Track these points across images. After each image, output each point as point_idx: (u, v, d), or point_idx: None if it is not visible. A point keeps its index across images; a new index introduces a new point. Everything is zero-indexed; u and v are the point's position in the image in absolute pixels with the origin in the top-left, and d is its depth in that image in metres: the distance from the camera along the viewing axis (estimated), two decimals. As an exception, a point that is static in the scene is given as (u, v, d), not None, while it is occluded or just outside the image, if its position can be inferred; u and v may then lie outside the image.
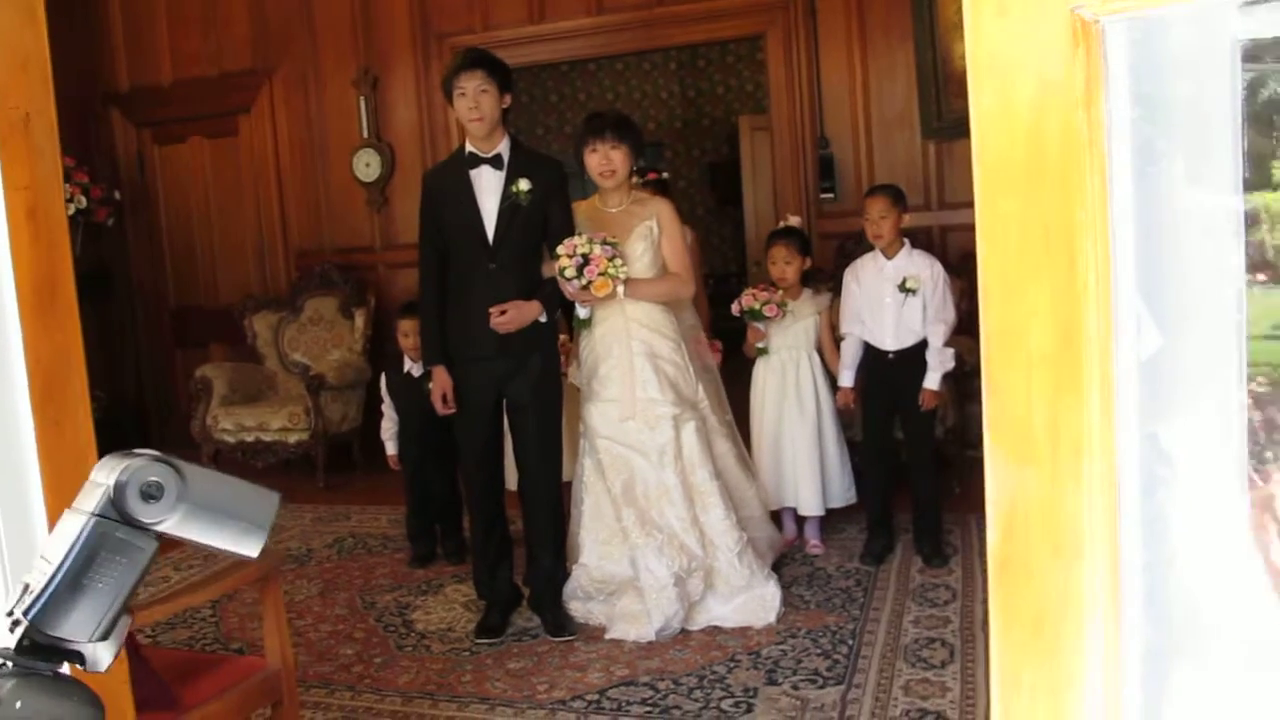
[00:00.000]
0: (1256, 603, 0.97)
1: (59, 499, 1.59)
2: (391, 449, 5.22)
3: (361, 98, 7.43)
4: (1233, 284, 1.01)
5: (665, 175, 6.93)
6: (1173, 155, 0.97)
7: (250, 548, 0.92)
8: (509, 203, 3.98)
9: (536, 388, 4.05)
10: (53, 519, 1.58)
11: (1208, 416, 1.01)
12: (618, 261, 3.98)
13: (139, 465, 0.85)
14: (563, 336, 4.48)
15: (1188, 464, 0.98)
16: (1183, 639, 0.94)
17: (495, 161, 4.02)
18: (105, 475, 0.86)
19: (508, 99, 4.01)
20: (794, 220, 5.22)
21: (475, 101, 3.95)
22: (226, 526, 0.89)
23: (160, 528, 0.85)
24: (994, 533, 0.90)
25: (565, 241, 3.97)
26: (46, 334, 1.59)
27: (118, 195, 7.66)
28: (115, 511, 0.84)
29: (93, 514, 0.84)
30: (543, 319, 4.04)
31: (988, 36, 0.85)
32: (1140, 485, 0.93)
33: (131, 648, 2.51)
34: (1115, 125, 0.88)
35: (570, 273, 3.94)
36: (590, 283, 3.95)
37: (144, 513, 0.83)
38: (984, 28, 0.85)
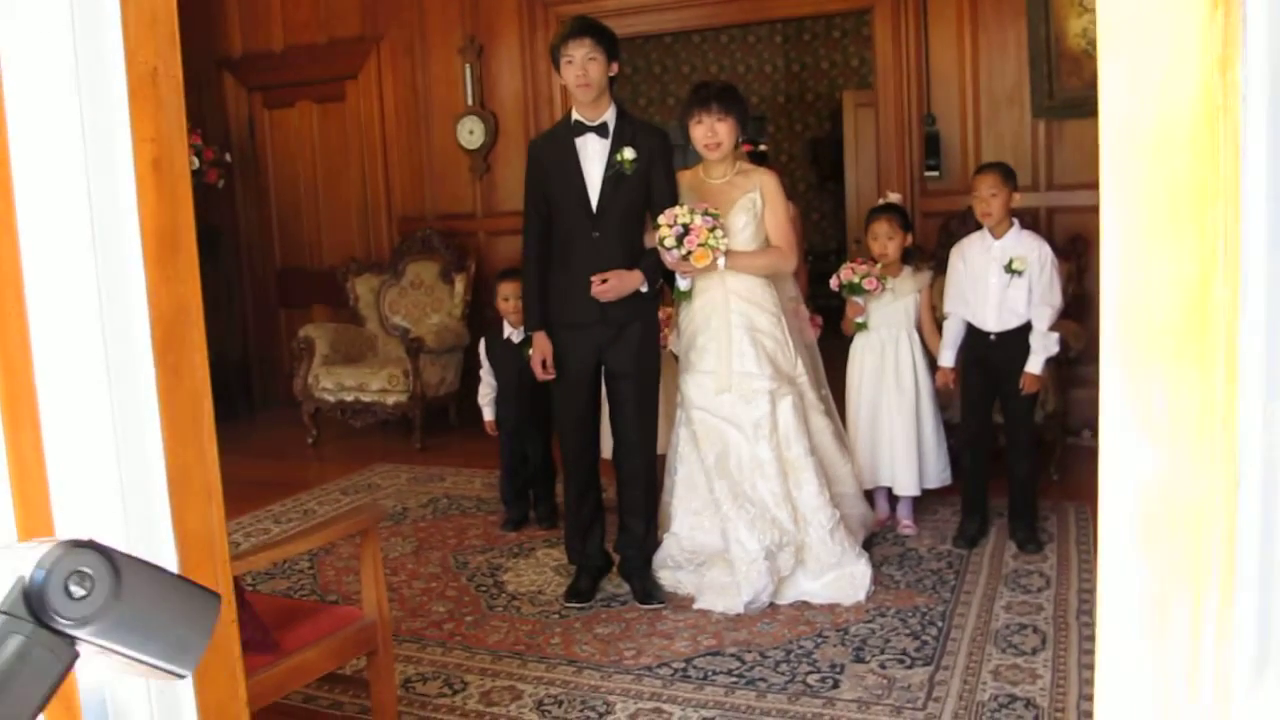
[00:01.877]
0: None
1: (175, 440, 1.65)
2: (489, 414, 5.27)
3: (467, 65, 7.49)
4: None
5: (764, 148, 6.85)
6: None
7: (185, 664, 0.75)
8: (614, 171, 3.99)
9: (636, 357, 4.07)
10: (169, 459, 1.63)
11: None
12: (718, 233, 3.96)
13: (62, 553, 0.68)
14: (666, 310, 4.48)
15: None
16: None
17: (601, 130, 4.03)
18: (19, 561, 0.69)
19: (615, 67, 4.02)
20: (894, 197, 5.15)
21: (583, 69, 3.96)
22: (162, 636, 0.72)
23: (81, 632, 0.69)
24: (1107, 503, 0.89)
25: (666, 211, 3.96)
26: (167, 284, 1.64)
27: (228, 158, 7.86)
28: (26, 608, 0.67)
29: None
30: (644, 289, 4.05)
31: (1118, 0, 0.83)
32: (1263, 465, 0.91)
33: (236, 591, 2.59)
34: (1253, 91, 0.85)
35: (670, 242, 3.93)
36: (690, 253, 3.94)
37: (66, 610, 0.67)
38: (1117, -10, 0.83)
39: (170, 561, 1.65)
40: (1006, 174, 4.51)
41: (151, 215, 1.61)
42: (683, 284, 4.17)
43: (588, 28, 4.02)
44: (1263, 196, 0.86)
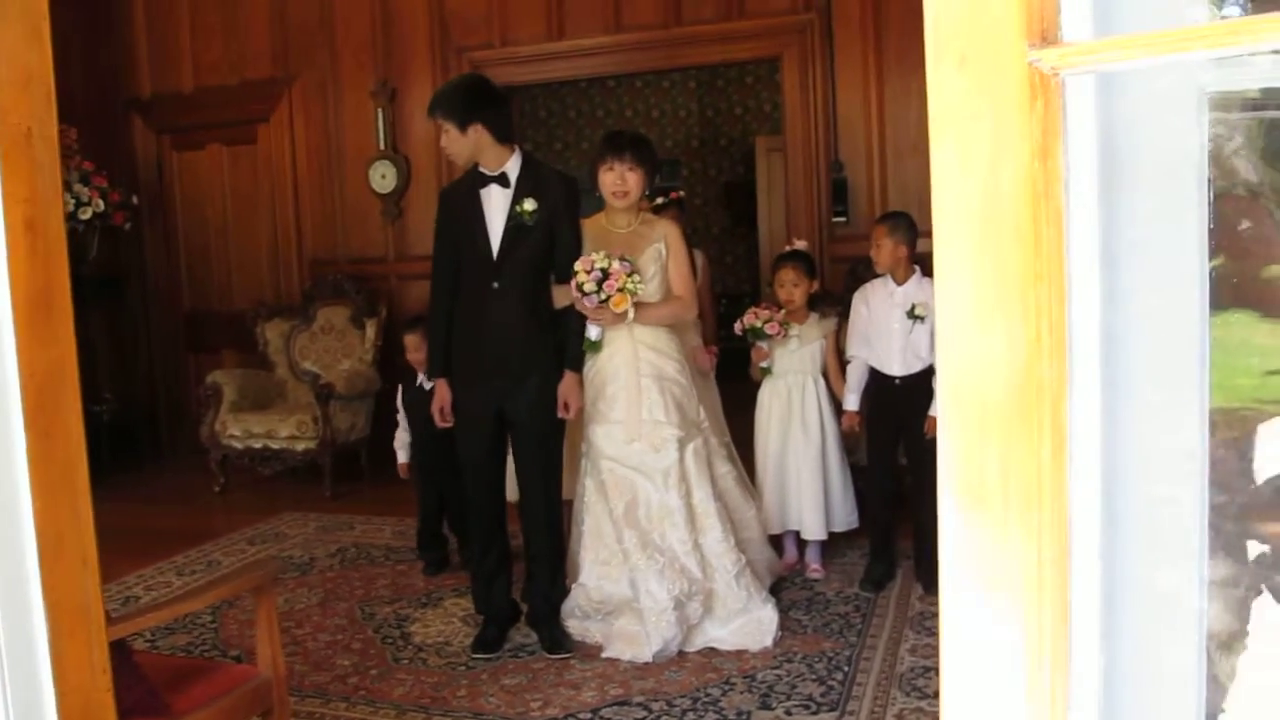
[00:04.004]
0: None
1: (47, 506, 1.61)
2: (402, 458, 5.29)
3: (379, 109, 7.48)
4: (1196, 341, 1.01)
5: (682, 194, 6.91)
6: (1138, 206, 0.98)
7: None
8: (514, 222, 3.99)
9: (534, 406, 4.06)
10: (40, 526, 1.60)
11: (1168, 467, 1.02)
12: (635, 277, 3.99)
13: None
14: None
15: (1147, 520, 0.99)
16: (1133, 692, 0.94)
17: (502, 180, 4.03)
18: None
19: (476, 130, 3.98)
20: (800, 244, 5.23)
21: (443, 143, 4.06)
22: None
23: None
24: (946, 573, 0.91)
25: (582, 258, 3.98)
26: (41, 346, 1.61)
27: (135, 200, 7.72)
28: None
29: None
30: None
31: (947, 87, 0.86)
32: (1099, 537, 0.94)
33: (124, 654, 2.53)
34: (1075, 177, 0.89)
35: (590, 287, 3.94)
36: (609, 297, 3.96)
37: None
38: (944, 79, 0.86)
39: (40, 630, 1.60)
40: (896, 225, 4.60)
41: (23, 277, 1.58)
42: (593, 333, 4.16)
43: (431, 104, 4.09)
44: (1095, 282, 0.90)
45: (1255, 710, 1.03)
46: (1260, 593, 1.02)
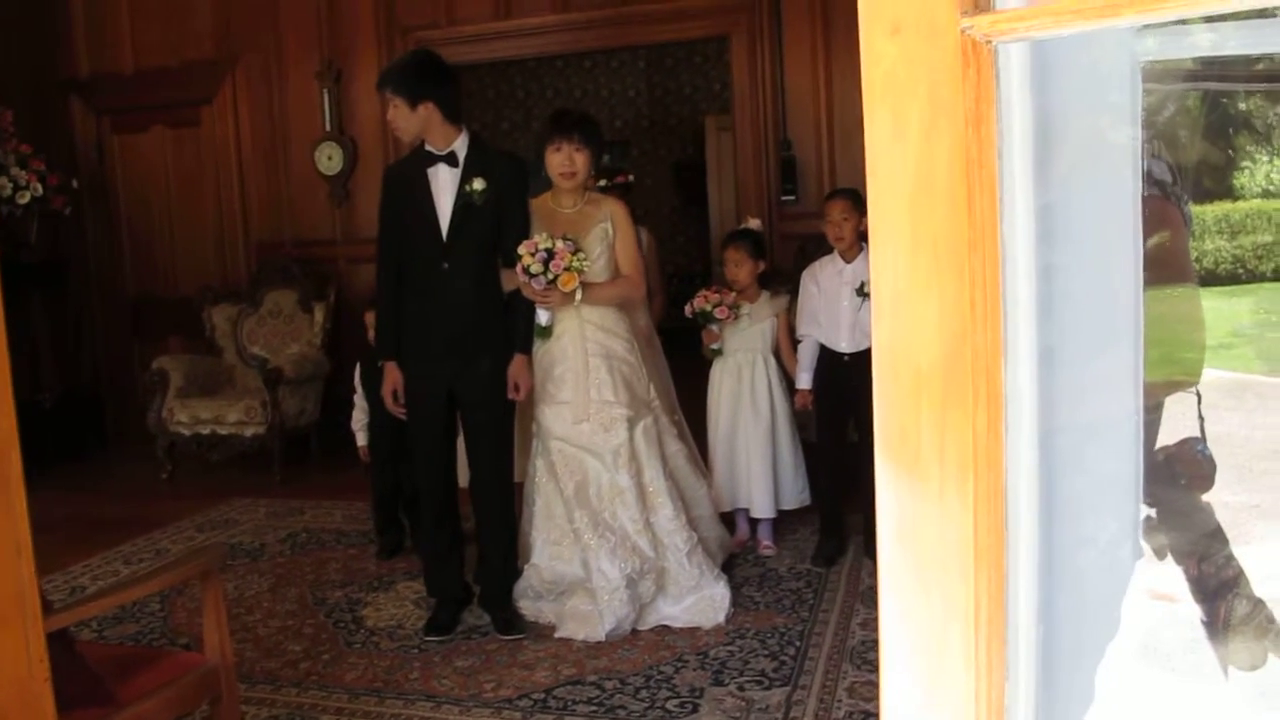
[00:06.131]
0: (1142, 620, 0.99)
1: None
2: (362, 440, 5.21)
3: (325, 90, 7.39)
4: (1130, 311, 1.02)
5: (631, 179, 6.87)
6: (1072, 174, 0.98)
7: None
8: (463, 202, 3.96)
9: (486, 388, 4.04)
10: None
11: (1105, 434, 1.03)
12: (580, 255, 3.98)
13: None
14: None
15: (1084, 483, 1.00)
16: (1070, 651, 0.95)
17: (450, 159, 4.00)
18: None
19: (426, 107, 3.95)
20: (753, 223, 5.22)
21: (390, 117, 4.02)
22: None
23: None
24: (884, 543, 0.91)
25: (525, 243, 3.96)
26: (-30, 328, 1.57)
27: (75, 183, 7.57)
28: None
29: None
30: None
31: (881, 56, 0.86)
32: (1037, 502, 0.94)
33: (65, 644, 2.49)
34: (1009, 145, 0.89)
35: (536, 268, 3.92)
36: (557, 277, 3.94)
37: None
38: (877, 47, 0.86)
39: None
40: (856, 199, 4.61)
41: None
42: (543, 318, 4.14)
43: (382, 78, 4.09)
44: (1029, 249, 0.90)
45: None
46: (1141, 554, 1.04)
